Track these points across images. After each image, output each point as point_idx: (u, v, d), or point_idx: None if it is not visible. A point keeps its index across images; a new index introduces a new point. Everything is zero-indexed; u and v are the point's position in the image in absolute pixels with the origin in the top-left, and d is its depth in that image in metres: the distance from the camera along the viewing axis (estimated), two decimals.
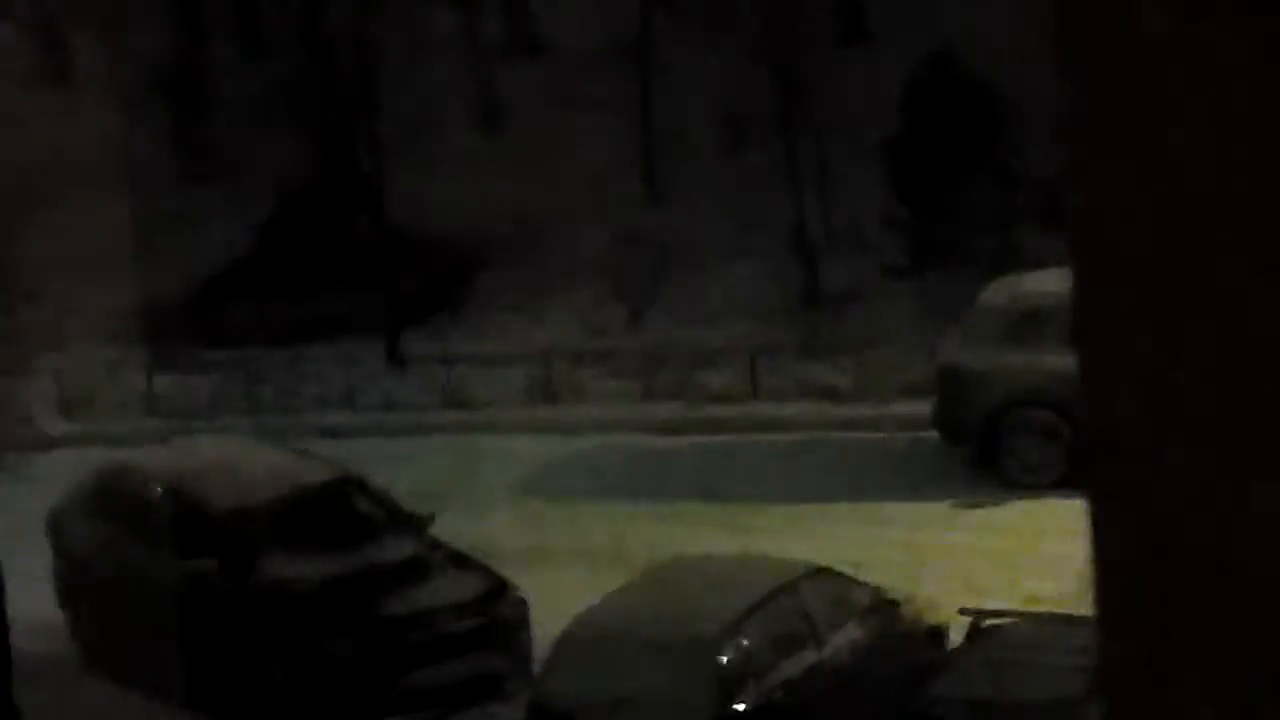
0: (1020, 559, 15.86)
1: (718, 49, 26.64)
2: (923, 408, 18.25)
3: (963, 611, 12.58)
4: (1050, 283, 15.36)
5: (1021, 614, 13.89)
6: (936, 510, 17.38)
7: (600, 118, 26.91)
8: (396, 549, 15.42)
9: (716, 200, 25.43)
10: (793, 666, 14.38)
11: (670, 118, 26.26)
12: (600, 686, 14.40)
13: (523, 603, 15.49)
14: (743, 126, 25.76)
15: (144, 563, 15.63)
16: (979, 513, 15.91)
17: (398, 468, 17.40)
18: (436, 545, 15.81)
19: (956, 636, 13.01)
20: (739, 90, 26.05)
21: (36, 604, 15.45)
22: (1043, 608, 14.07)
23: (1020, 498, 16.85)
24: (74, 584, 16.53)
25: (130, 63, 27.78)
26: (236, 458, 16.40)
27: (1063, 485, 15.74)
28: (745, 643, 14.52)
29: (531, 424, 22.14)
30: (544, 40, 29.47)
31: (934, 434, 18.00)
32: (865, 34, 26.89)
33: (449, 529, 16.18)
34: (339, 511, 15.72)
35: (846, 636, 14.81)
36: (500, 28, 29.40)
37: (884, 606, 15.15)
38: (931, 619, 14.75)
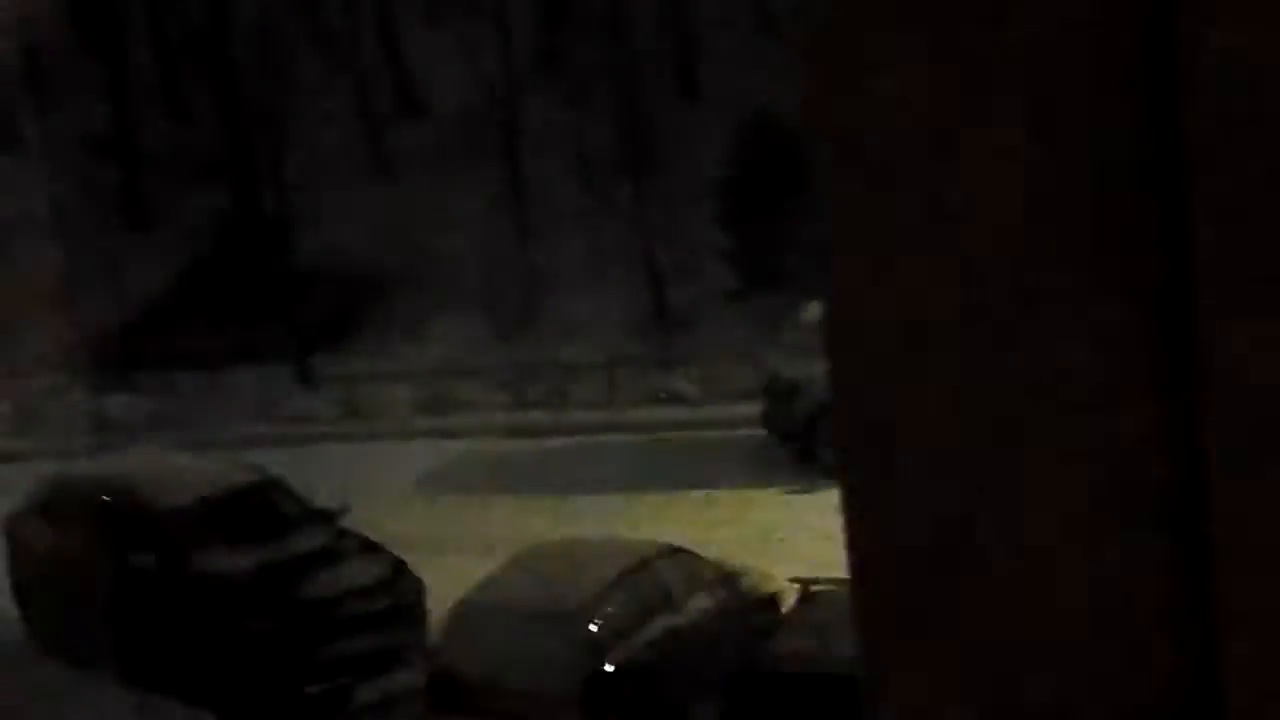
0: (839, 535, 15.65)
1: (575, 104, 26.52)
2: (755, 410, 17.94)
3: (792, 580, 12.48)
4: None
5: (842, 581, 13.56)
6: (768, 496, 17.05)
7: (475, 167, 26.41)
8: (312, 540, 14.67)
9: (576, 234, 24.73)
10: (652, 631, 13.92)
11: (535, 165, 25.67)
12: (489, 655, 13.89)
13: (420, 583, 14.83)
14: (597, 171, 25.52)
15: (91, 559, 14.56)
16: (804, 498, 15.74)
17: (309, 472, 16.66)
18: (345, 535, 14.91)
19: (788, 603, 12.80)
20: (593, 139, 25.88)
21: None
22: None
23: (837, 484, 16.71)
24: (27, 581, 15.55)
25: (70, 128, 27.31)
26: (170, 466, 15.49)
27: None
28: (610, 610, 13.99)
29: (422, 432, 21.52)
30: (426, 104, 28.98)
31: (764, 432, 17.67)
32: (699, 92, 27.06)
33: (354, 523, 15.27)
34: (261, 509, 14.92)
35: (697, 604, 14.35)
36: (388, 95, 28.96)
37: (727, 578, 14.65)
38: (767, 588, 14.36)
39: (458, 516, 18.00)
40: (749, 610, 14.13)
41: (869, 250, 1.74)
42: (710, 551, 14.67)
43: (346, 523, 15.39)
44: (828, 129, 1.80)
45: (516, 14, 26.37)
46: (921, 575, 1.76)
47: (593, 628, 13.73)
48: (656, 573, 14.22)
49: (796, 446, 16.85)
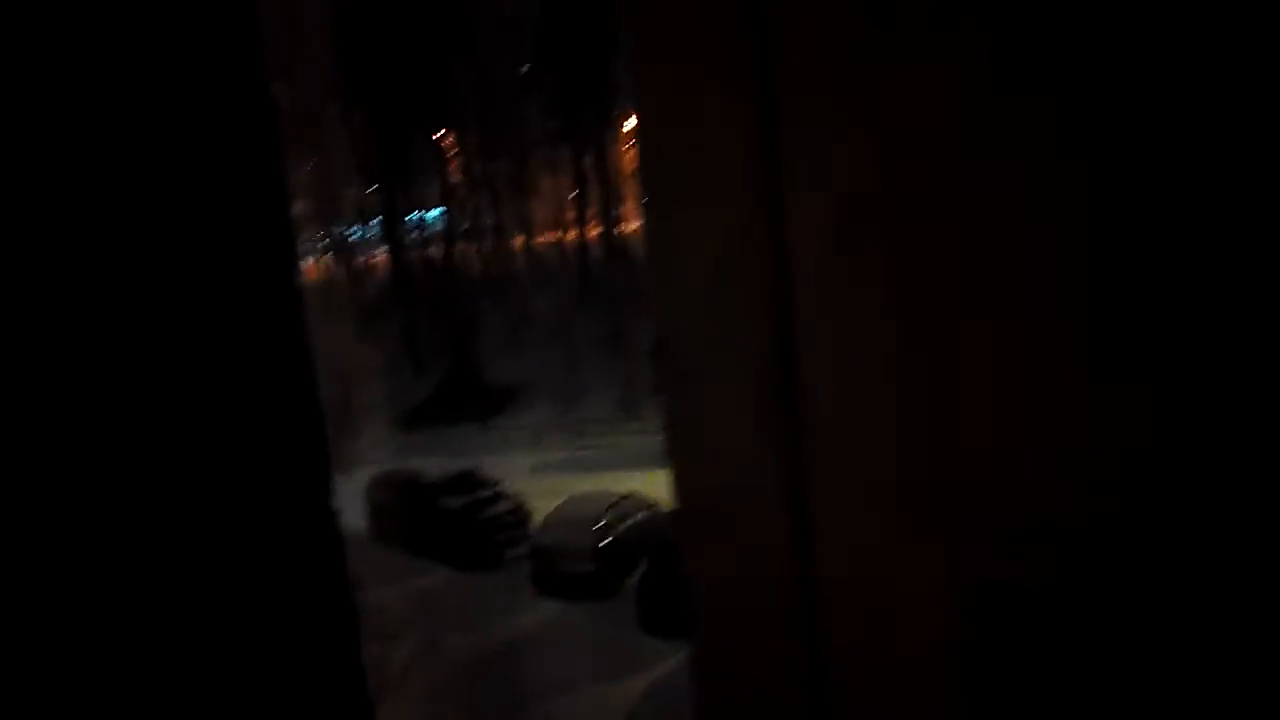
0: None
1: None
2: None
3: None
4: None
5: None
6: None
7: None
8: (487, 491, 26.29)
9: None
10: (621, 528, 22.77)
11: None
12: (555, 537, 23.20)
13: (528, 509, 25.63)
14: None
15: (398, 503, 27.21)
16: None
17: (489, 465, 29.92)
18: (500, 491, 26.43)
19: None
20: None
21: None
22: None
23: None
24: (375, 511, 27.05)
25: None
26: (427, 466, 29.53)
27: None
28: (604, 521, 22.98)
29: (529, 449, 33.92)
30: None
31: None
32: None
33: (504, 487, 27.42)
34: (468, 481, 26.80)
35: (638, 517, 22.88)
36: None
37: (650, 504, 22.86)
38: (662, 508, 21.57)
39: (546, 484, 28.70)
40: (660, 519, 22.09)
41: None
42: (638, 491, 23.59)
43: (501, 487, 26.93)
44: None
45: None
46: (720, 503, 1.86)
47: (594, 527, 22.91)
48: (624, 503, 23.55)
49: None
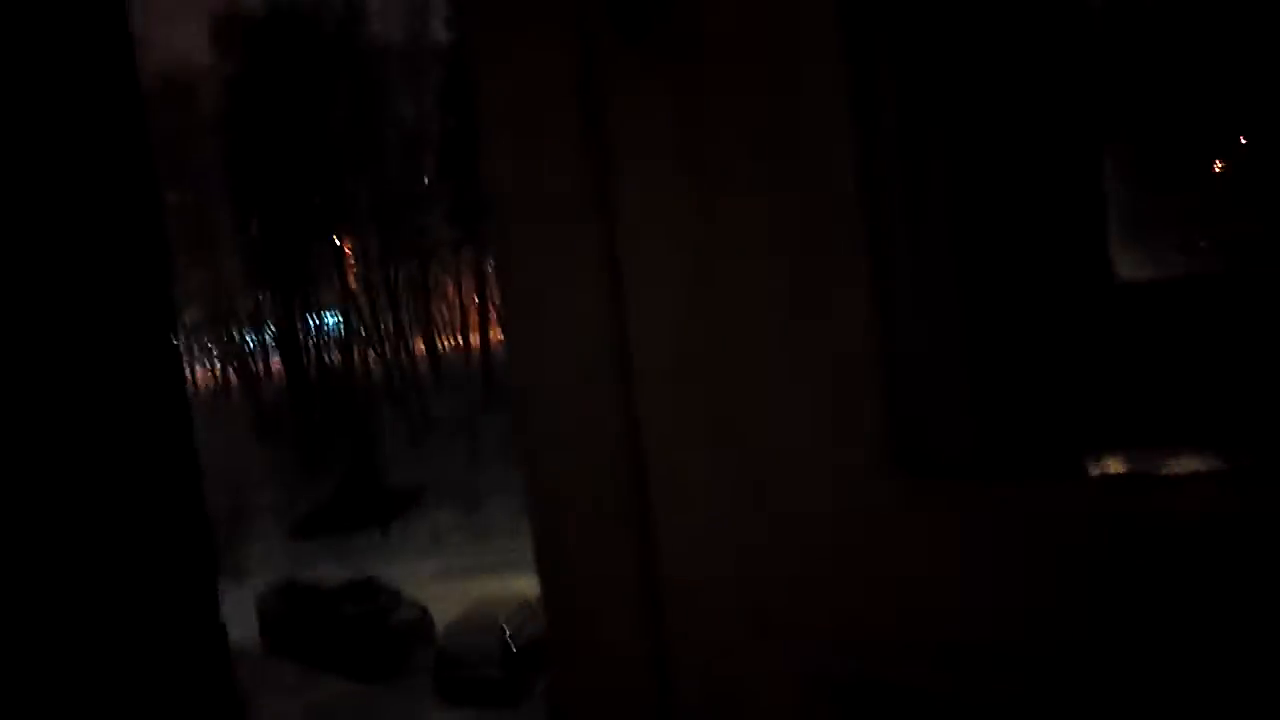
0: None
1: None
2: None
3: None
4: None
5: None
6: None
7: None
8: (387, 600, 27.15)
9: None
10: (531, 633, 22.35)
11: None
12: (462, 643, 23.66)
13: (429, 615, 26.29)
14: None
15: (292, 614, 27.86)
16: None
17: (386, 573, 33.11)
18: (399, 597, 27.06)
19: None
20: None
21: None
22: None
23: None
24: (269, 620, 27.81)
25: None
26: (330, 577, 30.77)
27: None
28: (511, 626, 23.24)
29: (432, 555, 34.93)
30: None
31: None
32: None
33: (402, 591, 30.49)
34: (367, 590, 27.34)
35: (536, 621, 21.79)
36: None
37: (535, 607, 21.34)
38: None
39: (449, 589, 29.36)
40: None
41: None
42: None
43: (402, 594, 27.61)
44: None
45: None
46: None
47: (506, 631, 23.40)
48: (528, 607, 23.31)
49: None
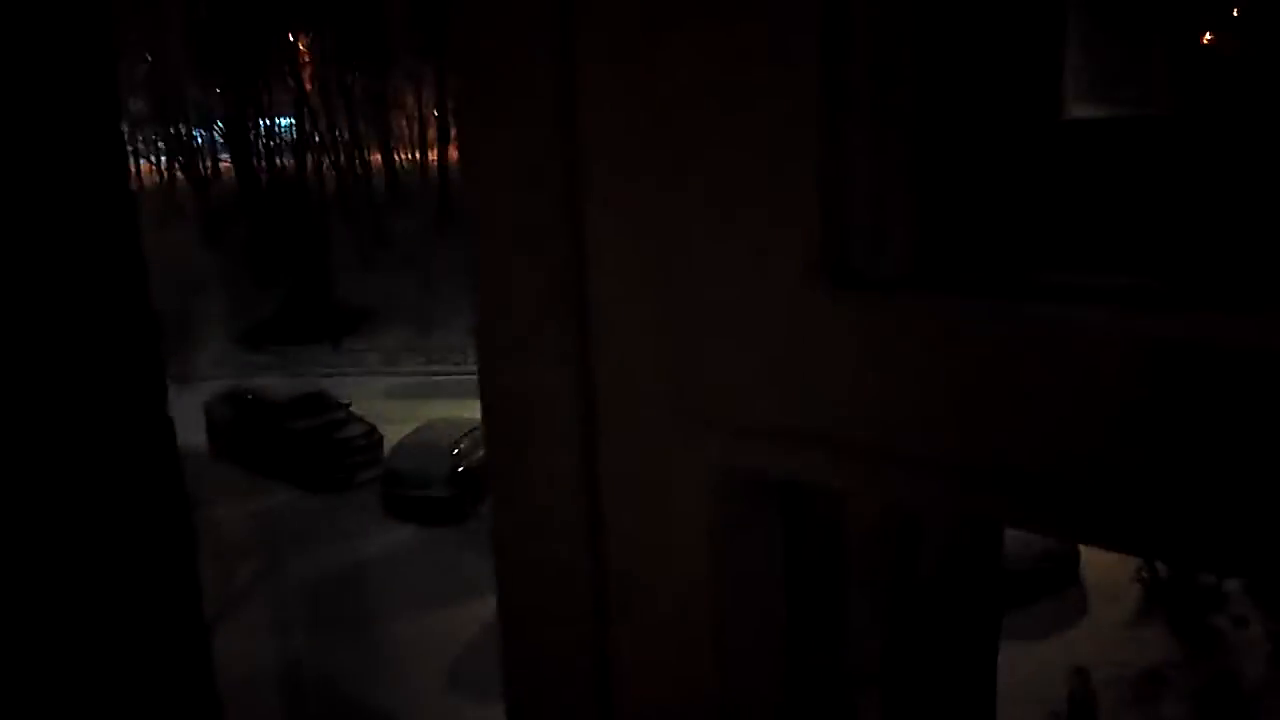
0: None
1: None
2: None
3: None
4: None
5: None
6: None
7: None
8: (337, 414, 26.88)
9: None
10: (478, 457, 22.11)
11: None
12: (409, 462, 24.00)
13: (379, 433, 26.29)
14: None
15: (241, 421, 27.57)
16: None
17: (340, 387, 29.94)
18: (351, 414, 27.03)
19: None
20: None
21: None
22: None
23: None
24: (215, 428, 27.47)
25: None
26: (279, 384, 29.35)
27: None
28: (459, 447, 23.85)
29: (387, 373, 35.30)
30: None
31: None
32: None
33: (356, 409, 28.05)
34: (319, 402, 27.39)
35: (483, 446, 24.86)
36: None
37: None
38: None
39: (401, 408, 29.43)
40: None
41: None
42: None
43: (353, 409, 27.71)
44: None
45: None
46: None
47: (454, 452, 24.04)
48: (477, 431, 21.48)
49: None
